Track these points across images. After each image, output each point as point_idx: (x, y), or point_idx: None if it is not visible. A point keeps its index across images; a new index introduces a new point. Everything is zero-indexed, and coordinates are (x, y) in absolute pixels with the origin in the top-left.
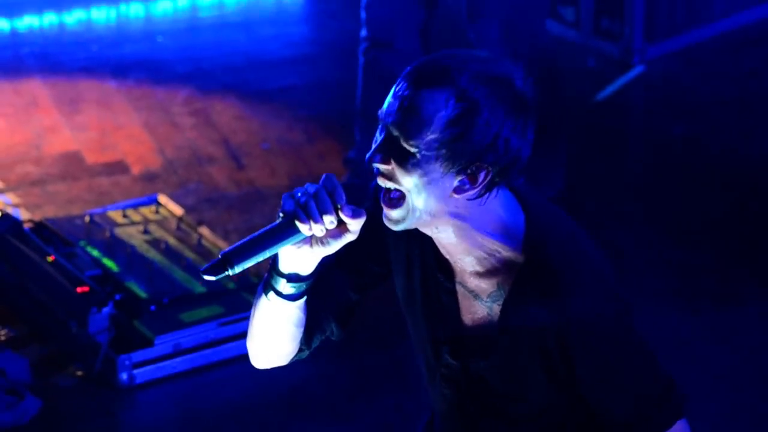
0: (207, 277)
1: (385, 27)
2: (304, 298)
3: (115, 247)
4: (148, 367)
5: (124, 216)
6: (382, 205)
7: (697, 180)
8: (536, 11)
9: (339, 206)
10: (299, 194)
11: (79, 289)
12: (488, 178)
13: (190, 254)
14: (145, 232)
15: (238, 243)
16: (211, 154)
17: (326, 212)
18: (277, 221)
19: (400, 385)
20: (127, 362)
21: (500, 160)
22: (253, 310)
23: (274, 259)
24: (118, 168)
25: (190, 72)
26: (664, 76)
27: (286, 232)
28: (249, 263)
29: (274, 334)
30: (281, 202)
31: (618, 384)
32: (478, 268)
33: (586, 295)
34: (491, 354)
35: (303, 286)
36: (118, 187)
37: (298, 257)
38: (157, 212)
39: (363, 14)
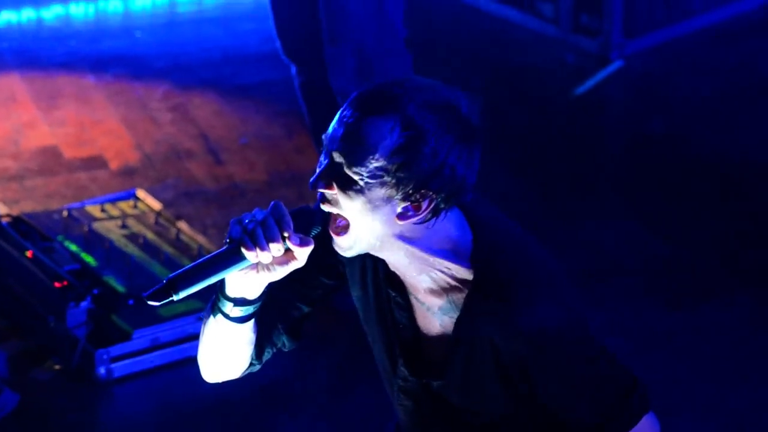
0: (151, 303)
1: (305, 58)
2: (253, 319)
3: (93, 241)
4: (126, 361)
5: (102, 211)
6: (331, 233)
7: (676, 175)
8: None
9: (286, 234)
10: (247, 221)
11: (57, 284)
12: (432, 206)
13: (168, 249)
14: (123, 226)
15: (184, 268)
16: (190, 148)
17: (273, 240)
18: (224, 247)
19: (379, 381)
20: (105, 356)
21: (445, 188)
22: (202, 327)
23: (221, 282)
24: (96, 163)
25: (169, 67)
26: (643, 71)
27: (232, 258)
28: (194, 289)
29: (223, 352)
30: (229, 228)
31: (576, 394)
32: (431, 286)
33: (536, 312)
34: (447, 372)
35: (250, 309)
36: (96, 181)
37: (245, 282)
38: (135, 207)
39: (284, 59)
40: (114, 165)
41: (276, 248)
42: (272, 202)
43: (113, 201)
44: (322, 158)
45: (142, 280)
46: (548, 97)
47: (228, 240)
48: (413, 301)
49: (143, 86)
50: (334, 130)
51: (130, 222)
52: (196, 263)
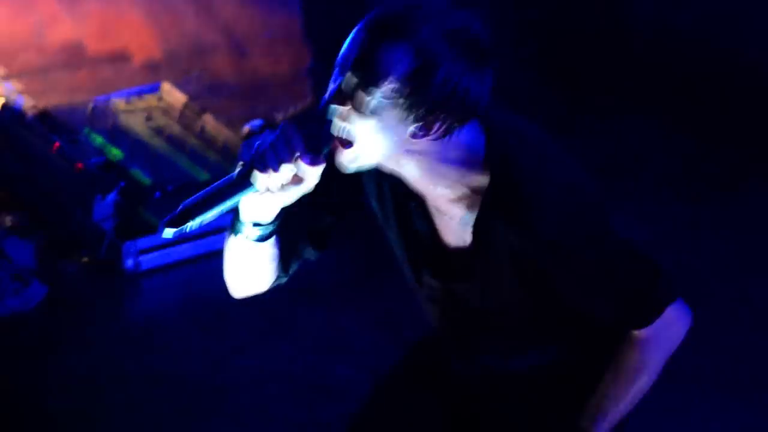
0: (168, 230)
1: None
2: (272, 238)
3: (119, 134)
4: (154, 254)
5: (128, 104)
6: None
7: (702, 70)
8: None
9: (297, 155)
10: (257, 144)
11: (79, 165)
12: (444, 127)
13: (193, 142)
14: (149, 119)
15: (198, 194)
16: (214, 43)
17: (284, 161)
18: (236, 171)
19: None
20: (132, 249)
21: (456, 111)
22: (225, 245)
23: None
24: (120, 57)
25: None
26: None
27: (245, 182)
28: (209, 214)
29: (246, 269)
30: (239, 152)
31: (599, 290)
32: (449, 195)
33: (553, 212)
34: (470, 277)
35: (269, 228)
36: (120, 75)
37: (260, 205)
38: (160, 100)
39: None
40: (138, 59)
41: (287, 169)
42: (281, 123)
43: (138, 94)
44: (334, 77)
45: (168, 173)
46: None
47: (240, 164)
48: (433, 210)
49: None
50: (349, 51)
51: (156, 115)
52: (210, 188)
